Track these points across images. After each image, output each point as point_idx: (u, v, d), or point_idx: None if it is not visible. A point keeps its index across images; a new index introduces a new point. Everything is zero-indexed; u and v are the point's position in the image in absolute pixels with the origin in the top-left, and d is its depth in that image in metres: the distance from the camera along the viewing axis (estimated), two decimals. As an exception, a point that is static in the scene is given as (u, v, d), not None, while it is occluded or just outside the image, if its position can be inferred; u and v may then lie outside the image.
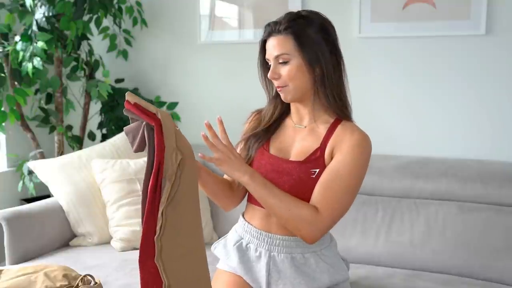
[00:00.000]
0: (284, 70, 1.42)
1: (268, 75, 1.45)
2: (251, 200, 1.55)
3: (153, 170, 1.18)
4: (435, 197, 2.12)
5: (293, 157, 1.48)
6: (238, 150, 1.57)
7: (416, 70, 2.39)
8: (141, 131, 1.22)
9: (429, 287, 1.83)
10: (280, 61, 1.42)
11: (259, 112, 1.62)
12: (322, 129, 1.47)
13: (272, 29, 1.44)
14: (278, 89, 1.46)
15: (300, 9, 2.52)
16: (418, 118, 2.41)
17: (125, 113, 1.23)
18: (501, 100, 2.27)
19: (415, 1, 2.34)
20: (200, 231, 1.25)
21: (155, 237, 1.14)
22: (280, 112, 1.56)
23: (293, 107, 1.54)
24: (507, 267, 1.91)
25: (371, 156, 2.27)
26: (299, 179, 1.42)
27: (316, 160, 1.43)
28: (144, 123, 1.21)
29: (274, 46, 1.42)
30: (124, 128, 1.27)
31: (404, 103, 2.43)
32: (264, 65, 1.51)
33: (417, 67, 2.39)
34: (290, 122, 1.55)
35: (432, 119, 2.39)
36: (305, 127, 1.50)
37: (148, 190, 1.18)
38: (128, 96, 1.22)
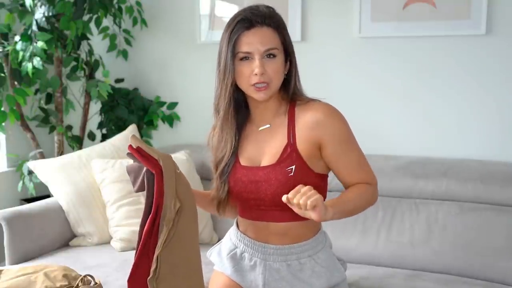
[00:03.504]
0: (271, 65, 1.35)
1: (257, 70, 1.33)
2: (242, 214, 1.51)
3: (150, 216, 1.20)
4: (435, 197, 2.11)
5: (265, 162, 1.42)
6: (215, 185, 1.50)
7: (416, 70, 2.39)
8: (141, 175, 1.25)
9: (429, 287, 1.82)
10: (268, 55, 1.35)
11: (213, 129, 1.51)
12: (283, 122, 1.43)
13: (256, 20, 1.35)
14: (258, 88, 1.35)
15: (300, 9, 2.52)
16: (418, 118, 2.41)
17: (127, 156, 1.25)
18: (501, 100, 2.27)
19: (415, 1, 2.34)
20: (200, 272, 1.26)
21: (148, 278, 1.17)
22: (238, 121, 1.45)
23: (253, 108, 1.46)
24: (508, 267, 1.91)
25: (371, 156, 2.28)
26: (278, 183, 1.38)
27: (289, 156, 1.39)
28: (145, 168, 1.23)
29: (262, 38, 1.34)
30: (126, 166, 1.31)
31: (404, 103, 2.43)
32: (233, 61, 1.36)
33: (417, 67, 2.39)
34: (251, 128, 1.48)
35: (432, 119, 2.39)
36: (270, 125, 1.44)
37: (143, 234, 1.21)
38: (132, 140, 1.24)
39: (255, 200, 1.43)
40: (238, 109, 1.45)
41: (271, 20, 1.37)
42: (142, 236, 1.21)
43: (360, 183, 1.42)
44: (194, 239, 1.26)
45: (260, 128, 1.46)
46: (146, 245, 1.20)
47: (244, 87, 1.38)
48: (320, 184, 1.44)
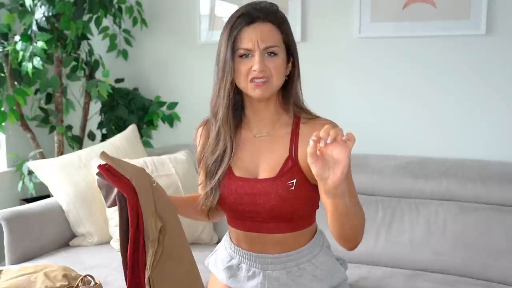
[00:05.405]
0: (272, 63, 1.28)
1: (256, 67, 1.27)
2: (233, 224, 1.45)
3: (130, 239, 1.13)
4: (435, 197, 2.11)
5: (263, 175, 1.35)
6: (199, 181, 1.45)
7: (415, 70, 2.39)
8: (113, 192, 1.18)
9: (429, 287, 1.82)
10: (269, 52, 1.28)
11: (204, 125, 1.46)
12: (285, 134, 1.37)
13: (257, 16, 1.29)
14: (256, 85, 1.28)
15: (300, 9, 2.52)
16: (418, 118, 2.41)
17: (97, 175, 1.18)
18: (501, 100, 2.27)
19: (415, 1, 2.34)
20: (199, 280, 1.22)
21: None
22: (236, 123, 1.37)
23: (251, 113, 1.39)
24: (507, 267, 1.91)
25: (371, 156, 2.28)
26: (278, 197, 1.31)
27: (290, 170, 1.33)
28: (116, 189, 1.16)
29: (263, 34, 1.28)
30: (97, 180, 1.22)
31: (403, 103, 2.43)
32: (233, 58, 1.30)
33: (417, 67, 2.39)
34: (246, 134, 1.40)
35: (432, 119, 2.39)
36: (266, 134, 1.38)
37: (127, 257, 1.14)
38: (102, 157, 1.15)
39: (250, 213, 1.37)
40: (234, 112, 1.38)
41: (273, 16, 1.31)
42: (128, 260, 1.14)
43: None
44: (184, 250, 1.20)
45: (257, 135, 1.39)
46: (134, 267, 1.14)
47: (242, 84, 1.31)
48: (315, 196, 1.38)
